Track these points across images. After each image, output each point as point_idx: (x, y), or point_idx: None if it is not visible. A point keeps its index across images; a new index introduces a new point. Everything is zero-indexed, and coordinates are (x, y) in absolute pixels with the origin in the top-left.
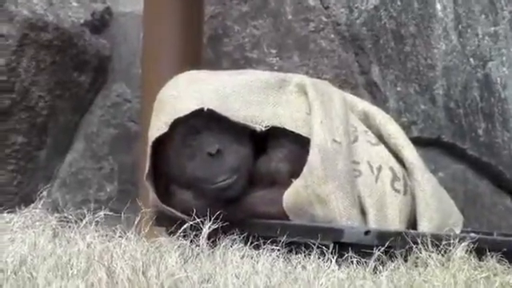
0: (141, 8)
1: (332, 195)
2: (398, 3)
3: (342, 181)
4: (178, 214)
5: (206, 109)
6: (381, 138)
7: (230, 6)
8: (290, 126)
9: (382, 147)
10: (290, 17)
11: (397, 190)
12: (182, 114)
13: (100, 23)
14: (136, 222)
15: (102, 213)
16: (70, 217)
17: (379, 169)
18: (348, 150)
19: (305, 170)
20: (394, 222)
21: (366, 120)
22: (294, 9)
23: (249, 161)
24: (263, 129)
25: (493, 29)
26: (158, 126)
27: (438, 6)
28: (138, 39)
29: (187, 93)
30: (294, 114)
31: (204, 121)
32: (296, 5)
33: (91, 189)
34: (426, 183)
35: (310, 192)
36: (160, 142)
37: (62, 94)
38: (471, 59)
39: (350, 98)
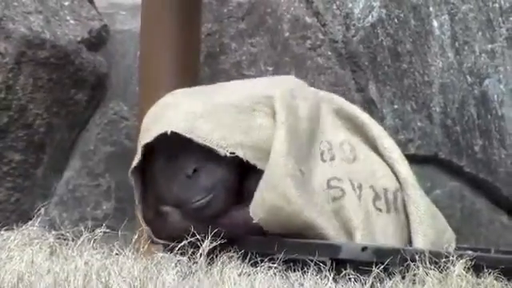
0: (138, 25)
1: (317, 220)
2: (395, 21)
3: (319, 206)
4: (160, 241)
5: (169, 132)
6: (376, 150)
7: (227, 23)
8: (251, 159)
9: (359, 164)
10: (286, 34)
11: (378, 209)
12: (148, 140)
13: (97, 41)
14: (133, 240)
15: (99, 230)
16: (68, 234)
17: (360, 187)
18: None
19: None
20: (381, 241)
21: (362, 131)
22: (291, 26)
23: (228, 178)
24: (228, 155)
25: (490, 46)
26: (136, 153)
27: (435, 24)
28: (135, 57)
29: (158, 118)
30: (261, 143)
31: (181, 142)
32: (293, 22)
33: (88, 206)
34: (419, 199)
35: (295, 220)
36: (146, 163)
37: (58, 111)
38: (468, 76)
39: (347, 107)
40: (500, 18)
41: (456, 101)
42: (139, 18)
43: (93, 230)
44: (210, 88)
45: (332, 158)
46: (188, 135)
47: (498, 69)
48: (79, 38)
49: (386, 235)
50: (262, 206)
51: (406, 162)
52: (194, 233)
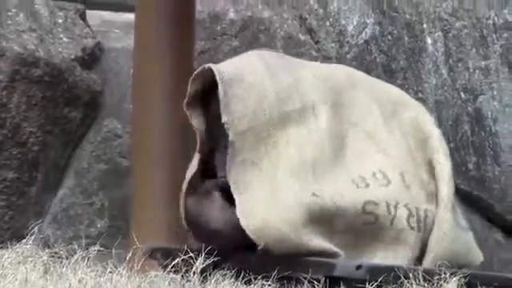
0: (131, 43)
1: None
2: (389, 37)
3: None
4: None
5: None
6: (429, 163)
7: (221, 40)
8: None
9: (394, 186)
10: (280, 51)
11: (412, 228)
12: None
13: (91, 58)
14: (127, 258)
15: (93, 248)
16: (61, 252)
17: (396, 207)
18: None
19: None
20: (404, 260)
21: (416, 132)
22: (285, 43)
23: None
24: None
25: (483, 63)
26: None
27: (429, 40)
28: (129, 74)
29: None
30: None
31: None
32: (286, 39)
33: (82, 224)
34: (445, 221)
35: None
36: None
37: (52, 129)
38: (462, 93)
39: (396, 97)
40: (494, 35)
41: (450, 118)
42: (132, 36)
43: (87, 248)
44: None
45: (367, 186)
46: None
47: (491, 85)
48: (73, 56)
49: (410, 254)
50: (264, 228)
51: (451, 184)
52: (187, 250)
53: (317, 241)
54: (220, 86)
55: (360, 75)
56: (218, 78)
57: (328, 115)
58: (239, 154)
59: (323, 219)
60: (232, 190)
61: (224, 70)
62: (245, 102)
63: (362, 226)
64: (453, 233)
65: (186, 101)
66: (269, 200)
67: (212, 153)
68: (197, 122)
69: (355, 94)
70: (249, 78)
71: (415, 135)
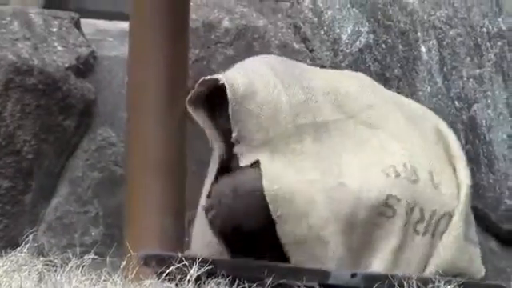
0: (125, 52)
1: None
2: (383, 46)
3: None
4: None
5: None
6: (454, 171)
7: (215, 49)
8: None
9: (421, 184)
10: None
11: (416, 232)
12: None
13: (85, 67)
14: (122, 266)
15: (87, 257)
16: (56, 261)
17: (412, 210)
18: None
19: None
20: (410, 266)
21: (440, 140)
22: (279, 52)
23: None
24: None
25: (478, 71)
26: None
27: (423, 49)
28: (123, 83)
29: None
30: None
31: None
32: (281, 48)
33: (76, 233)
34: (454, 229)
35: (313, 234)
36: None
37: (47, 138)
38: (456, 102)
39: (415, 107)
40: (488, 43)
41: None
42: (127, 44)
43: (81, 257)
44: None
45: (397, 175)
46: None
47: (486, 94)
48: (67, 65)
49: (409, 262)
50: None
51: (468, 195)
52: (181, 258)
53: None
54: (230, 104)
55: (374, 83)
56: (229, 95)
57: (341, 125)
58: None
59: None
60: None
61: (236, 85)
62: (258, 118)
63: (376, 219)
64: (460, 243)
65: (189, 97)
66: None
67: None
68: (202, 120)
69: (374, 100)
70: (262, 93)
71: (439, 142)
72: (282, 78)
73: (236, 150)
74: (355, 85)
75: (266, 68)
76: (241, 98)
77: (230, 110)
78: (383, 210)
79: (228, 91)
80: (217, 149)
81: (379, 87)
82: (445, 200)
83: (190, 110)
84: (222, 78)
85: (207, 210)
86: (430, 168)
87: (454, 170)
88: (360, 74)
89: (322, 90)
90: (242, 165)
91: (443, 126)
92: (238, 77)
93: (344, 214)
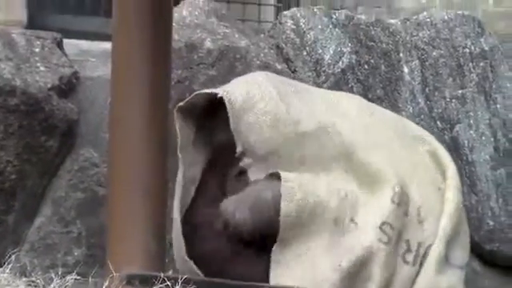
0: (108, 72)
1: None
2: (365, 67)
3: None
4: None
5: None
6: (440, 190)
7: (197, 70)
8: None
9: (411, 217)
10: None
11: (406, 262)
12: None
13: (67, 87)
14: (104, 286)
15: (70, 277)
16: (39, 281)
17: (400, 239)
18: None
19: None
20: None
21: (437, 165)
22: None
23: None
24: None
25: (460, 92)
26: None
27: (406, 69)
28: (106, 103)
29: None
30: None
31: None
32: (263, 68)
33: (59, 253)
34: (435, 253)
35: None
36: None
37: (29, 158)
38: (439, 122)
39: (414, 131)
40: (470, 64)
41: None
42: (109, 65)
43: (64, 277)
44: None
45: (399, 204)
46: None
47: (468, 114)
48: (50, 85)
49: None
50: None
51: (454, 218)
52: (164, 278)
53: None
54: (231, 119)
55: (372, 104)
56: (228, 108)
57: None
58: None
59: None
60: None
61: (234, 98)
62: (259, 130)
63: (376, 243)
64: (439, 266)
65: (180, 104)
66: None
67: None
68: (183, 130)
69: (372, 121)
70: (260, 104)
71: (437, 167)
72: (280, 89)
73: (243, 163)
74: (354, 106)
75: (263, 79)
76: (239, 111)
77: (231, 124)
78: (380, 234)
79: (227, 106)
80: (194, 164)
81: (378, 109)
82: (427, 235)
83: (177, 119)
84: (221, 91)
85: (225, 227)
86: (420, 204)
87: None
88: (357, 96)
89: (319, 105)
90: (252, 178)
91: (441, 150)
92: (234, 90)
93: None
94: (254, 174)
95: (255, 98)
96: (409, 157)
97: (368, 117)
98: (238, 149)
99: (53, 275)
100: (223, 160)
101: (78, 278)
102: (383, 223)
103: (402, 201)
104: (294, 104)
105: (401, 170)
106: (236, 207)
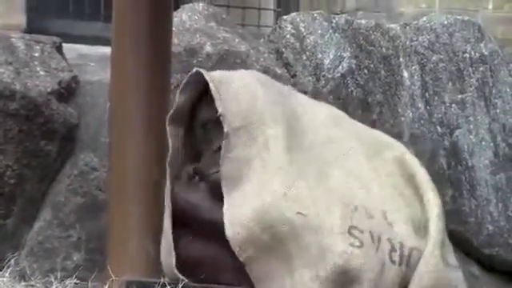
0: (107, 76)
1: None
2: (365, 71)
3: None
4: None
5: None
6: (421, 200)
7: None
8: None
9: (378, 220)
10: None
11: (393, 262)
12: None
13: (67, 92)
14: None
15: (69, 281)
16: (38, 285)
17: (379, 239)
18: (319, 222)
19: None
20: None
21: (403, 170)
22: None
23: None
24: None
25: (460, 96)
26: None
27: (405, 74)
28: (105, 108)
29: None
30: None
31: None
32: (263, 73)
33: (58, 257)
34: (431, 258)
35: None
36: None
37: (29, 162)
38: (438, 127)
39: (379, 139)
40: (470, 69)
41: (426, 151)
42: (109, 69)
43: (63, 281)
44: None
45: (353, 211)
46: None
47: (468, 119)
48: (49, 90)
49: None
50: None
51: (440, 220)
52: (164, 283)
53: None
54: (211, 84)
55: (343, 115)
56: (208, 78)
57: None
58: (233, 149)
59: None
60: (223, 186)
61: (213, 74)
62: (238, 101)
63: (349, 248)
64: (439, 270)
65: (170, 114)
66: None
67: (197, 158)
68: (173, 140)
69: (336, 133)
70: (238, 82)
71: (403, 173)
72: (261, 81)
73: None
74: (323, 116)
75: (245, 71)
76: (219, 83)
77: (211, 90)
78: (351, 240)
79: (206, 77)
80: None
81: (347, 121)
82: (405, 237)
83: (169, 128)
84: (199, 69)
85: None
86: (383, 208)
87: (422, 199)
88: (334, 107)
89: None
90: (225, 154)
91: (409, 156)
92: (212, 72)
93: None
94: (226, 147)
95: (233, 76)
96: (371, 166)
97: (334, 128)
98: (219, 111)
99: (52, 279)
100: (205, 136)
101: (78, 282)
102: (350, 227)
103: (359, 205)
104: (273, 93)
105: (363, 183)
106: None
